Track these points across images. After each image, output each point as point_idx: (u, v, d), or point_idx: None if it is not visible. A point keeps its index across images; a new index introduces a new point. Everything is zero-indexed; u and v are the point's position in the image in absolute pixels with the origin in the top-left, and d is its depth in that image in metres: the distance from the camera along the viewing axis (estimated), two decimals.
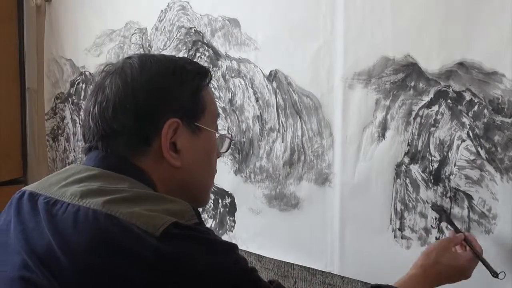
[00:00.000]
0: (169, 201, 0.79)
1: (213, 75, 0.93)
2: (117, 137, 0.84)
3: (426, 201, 1.23)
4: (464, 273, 1.07)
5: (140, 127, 0.83)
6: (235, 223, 1.64)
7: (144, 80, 0.85)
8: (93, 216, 0.73)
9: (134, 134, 0.84)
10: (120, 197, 0.76)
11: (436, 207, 1.20)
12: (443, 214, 1.19)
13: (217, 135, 0.93)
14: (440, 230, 1.21)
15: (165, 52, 1.80)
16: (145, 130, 0.84)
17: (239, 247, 1.75)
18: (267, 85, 1.53)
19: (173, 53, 1.77)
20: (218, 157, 0.97)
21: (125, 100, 0.83)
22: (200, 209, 1.77)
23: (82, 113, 2.24)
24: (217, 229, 1.68)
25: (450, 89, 1.18)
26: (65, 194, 0.78)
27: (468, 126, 1.16)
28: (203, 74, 0.90)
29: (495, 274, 1.05)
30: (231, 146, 1.61)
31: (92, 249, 0.71)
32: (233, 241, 1.71)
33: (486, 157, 1.14)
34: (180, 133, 0.85)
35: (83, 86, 2.19)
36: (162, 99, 0.85)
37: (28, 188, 0.85)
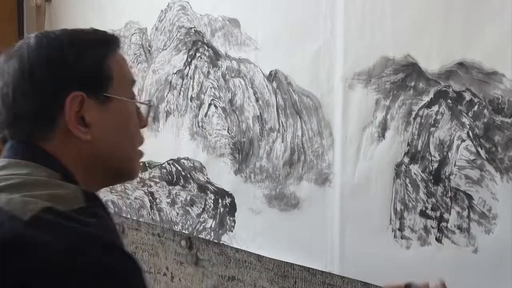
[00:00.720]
0: (57, 187, 0.76)
1: (120, 42, 0.91)
2: (21, 123, 0.81)
3: (426, 201, 1.23)
4: None
5: (41, 107, 0.80)
6: (235, 223, 1.63)
7: (40, 57, 0.81)
8: None
9: (37, 116, 0.80)
10: (5, 185, 0.74)
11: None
12: None
13: (134, 103, 0.88)
14: (440, 230, 1.21)
15: (165, 52, 1.81)
16: (48, 109, 0.80)
17: (239, 247, 1.76)
18: (267, 85, 1.53)
19: (173, 53, 1.78)
20: (142, 127, 0.91)
21: (23, 82, 0.80)
22: (200, 209, 1.77)
23: None
24: (217, 229, 1.68)
25: (450, 89, 1.18)
26: None
27: (468, 126, 1.16)
28: (106, 42, 0.86)
29: None
30: (231, 145, 1.61)
31: None
32: (233, 241, 1.73)
33: (486, 157, 1.14)
34: (88, 106, 0.81)
35: None
36: (59, 73, 0.81)
37: None
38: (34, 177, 0.77)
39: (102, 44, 0.85)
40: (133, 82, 0.90)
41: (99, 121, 0.82)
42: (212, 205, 1.69)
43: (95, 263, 0.68)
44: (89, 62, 0.82)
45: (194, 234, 1.75)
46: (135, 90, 0.92)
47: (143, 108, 0.91)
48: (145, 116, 0.92)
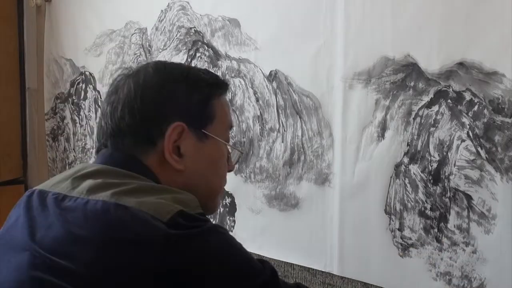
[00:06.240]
0: (175, 192, 0.81)
1: (229, 88, 0.97)
2: (124, 136, 0.86)
3: (426, 201, 1.23)
4: None
5: (145, 127, 0.86)
6: (235, 223, 1.64)
7: (155, 82, 0.87)
8: (102, 207, 0.75)
9: (139, 134, 0.86)
10: (127, 189, 0.78)
11: None
12: None
13: (227, 146, 0.95)
14: (440, 230, 1.21)
15: (165, 52, 1.81)
16: (150, 131, 0.86)
17: None
18: (267, 85, 1.53)
19: (173, 53, 1.78)
20: (229, 170, 0.98)
21: (133, 101, 0.86)
22: None
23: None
24: None
25: (450, 89, 1.18)
26: (73, 190, 0.80)
27: (468, 126, 1.16)
28: (216, 85, 0.93)
29: None
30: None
31: (103, 239, 0.73)
32: None
33: (486, 157, 1.14)
34: (185, 137, 0.87)
35: (83, 86, 2.19)
36: (169, 101, 0.87)
37: (38, 187, 0.86)
38: (149, 183, 0.83)
39: (211, 86, 0.92)
40: (230, 126, 0.97)
41: (192, 154, 0.88)
42: None
43: (239, 259, 0.77)
44: (196, 99, 0.89)
45: None
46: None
47: (233, 153, 0.99)
48: (234, 162, 1.00)
